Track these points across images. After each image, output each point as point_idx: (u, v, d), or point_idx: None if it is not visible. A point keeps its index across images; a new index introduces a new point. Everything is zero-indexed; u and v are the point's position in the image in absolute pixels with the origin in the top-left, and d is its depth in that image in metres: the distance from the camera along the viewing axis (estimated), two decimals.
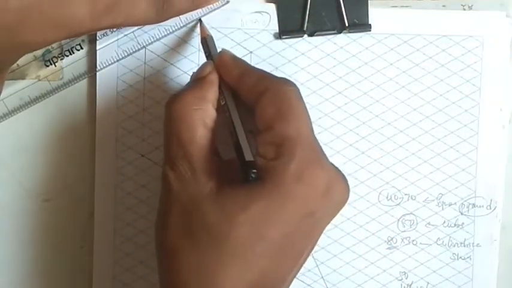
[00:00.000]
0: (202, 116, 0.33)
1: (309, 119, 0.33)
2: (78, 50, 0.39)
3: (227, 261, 0.30)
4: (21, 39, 0.32)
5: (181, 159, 0.32)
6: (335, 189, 0.32)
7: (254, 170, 0.32)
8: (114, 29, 0.39)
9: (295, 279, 0.41)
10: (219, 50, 0.37)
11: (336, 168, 0.32)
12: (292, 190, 0.30)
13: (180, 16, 0.38)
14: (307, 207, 0.31)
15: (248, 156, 0.33)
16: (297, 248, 0.32)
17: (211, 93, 0.34)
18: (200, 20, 0.39)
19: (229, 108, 0.34)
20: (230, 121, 0.34)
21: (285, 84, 0.33)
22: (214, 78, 0.34)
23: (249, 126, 0.34)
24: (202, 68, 0.35)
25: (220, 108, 0.35)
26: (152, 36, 0.39)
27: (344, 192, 0.32)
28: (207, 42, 0.37)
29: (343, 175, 0.33)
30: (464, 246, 0.41)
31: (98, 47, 0.39)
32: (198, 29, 0.39)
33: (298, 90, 0.33)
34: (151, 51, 0.40)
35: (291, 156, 0.31)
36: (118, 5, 0.33)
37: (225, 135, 0.35)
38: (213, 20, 0.40)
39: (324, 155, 0.32)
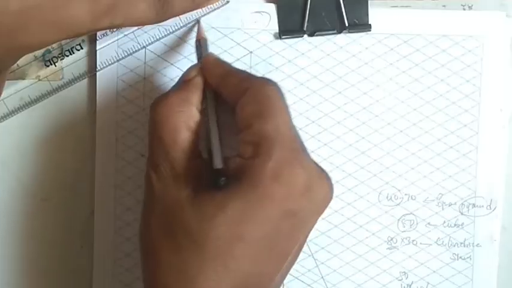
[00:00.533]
0: (186, 119, 0.33)
1: (289, 117, 0.32)
2: (78, 50, 0.39)
3: (207, 264, 0.30)
4: (21, 41, 0.32)
5: (163, 161, 0.32)
6: (316, 188, 0.31)
7: (223, 178, 0.32)
8: (114, 29, 0.39)
9: (295, 279, 0.41)
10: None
11: (318, 166, 0.32)
12: (269, 189, 0.30)
13: (180, 16, 0.38)
14: (286, 206, 0.30)
15: (217, 164, 0.33)
16: (281, 249, 0.31)
17: (196, 96, 0.34)
18: (198, 21, 0.39)
19: (208, 112, 0.34)
20: (207, 126, 0.34)
21: (265, 83, 0.32)
22: (199, 81, 0.34)
23: (233, 130, 0.33)
24: (187, 71, 0.35)
25: (204, 112, 0.34)
26: (152, 36, 0.39)
27: (326, 191, 0.32)
28: (201, 44, 0.37)
29: (326, 174, 0.32)
30: (464, 246, 0.41)
31: (98, 47, 0.39)
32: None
33: (279, 89, 0.32)
34: (151, 51, 0.40)
35: (269, 155, 0.30)
36: (118, 6, 0.33)
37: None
38: (213, 20, 0.40)
39: (306, 153, 0.32)
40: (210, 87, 0.34)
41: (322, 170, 0.32)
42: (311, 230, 0.33)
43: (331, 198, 0.32)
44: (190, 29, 0.40)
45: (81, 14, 0.32)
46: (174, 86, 0.35)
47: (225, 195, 0.30)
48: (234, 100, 0.33)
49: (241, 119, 0.32)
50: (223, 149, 0.34)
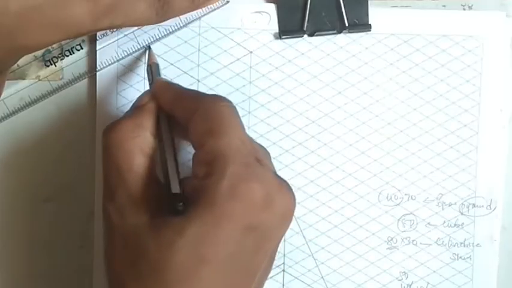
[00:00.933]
0: (141, 144, 0.32)
1: (243, 132, 0.32)
2: (78, 50, 0.39)
3: None
4: (21, 42, 0.32)
5: (120, 188, 0.32)
6: (276, 200, 0.30)
7: (180, 203, 0.32)
8: (114, 29, 0.39)
9: (295, 279, 0.41)
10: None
11: (279, 178, 0.31)
12: (226, 207, 0.29)
13: (180, 16, 0.38)
14: (246, 222, 0.30)
15: (174, 188, 0.32)
16: (248, 265, 0.31)
17: (149, 121, 0.33)
18: (149, 47, 0.39)
19: (163, 138, 0.34)
20: (162, 152, 0.34)
21: (215, 100, 0.32)
22: (152, 106, 0.34)
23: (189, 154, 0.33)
24: (140, 97, 0.35)
25: (159, 137, 0.34)
26: (152, 36, 0.39)
27: (287, 202, 0.31)
28: (152, 70, 0.37)
29: (286, 185, 0.31)
30: (464, 246, 0.41)
31: (98, 47, 0.39)
32: (198, 29, 0.40)
33: (231, 105, 0.32)
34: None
35: (223, 173, 0.29)
36: (118, 6, 0.33)
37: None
38: (213, 20, 0.40)
39: (263, 166, 0.31)
40: (163, 111, 0.34)
41: (282, 181, 0.31)
42: (279, 241, 0.32)
43: (294, 207, 0.31)
44: (191, 29, 0.40)
45: (82, 14, 0.32)
46: (127, 112, 0.35)
47: (182, 219, 0.30)
48: (187, 121, 0.32)
49: (193, 139, 0.31)
50: (181, 173, 0.33)
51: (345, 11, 0.40)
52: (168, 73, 0.40)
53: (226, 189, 0.29)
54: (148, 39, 0.39)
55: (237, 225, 0.29)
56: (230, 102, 0.32)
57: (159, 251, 0.29)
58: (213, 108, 0.32)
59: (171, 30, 0.39)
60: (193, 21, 0.39)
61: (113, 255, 0.32)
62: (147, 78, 0.39)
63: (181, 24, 0.39)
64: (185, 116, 0.32)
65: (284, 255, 0.41)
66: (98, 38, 0.39)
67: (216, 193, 0.29)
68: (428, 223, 0.41)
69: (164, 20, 0.36)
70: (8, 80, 0.37)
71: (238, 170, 0.30)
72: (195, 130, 0.32)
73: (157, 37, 0.39)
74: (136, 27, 0.39)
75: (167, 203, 0.32)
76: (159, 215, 0.31)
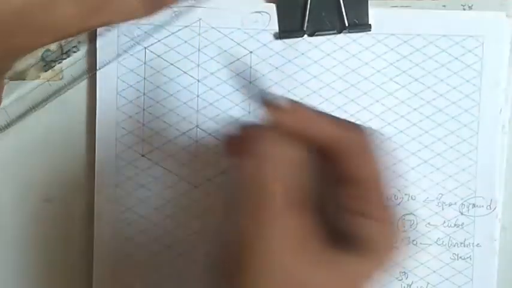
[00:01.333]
0: (289, 156, 0.30)
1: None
2: (78, 51, 0.39)
3: None
4: (12, 45, 0.31)
5: (274, 215, 0.28)
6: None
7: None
8: (114, 29, 0.39)
9: None
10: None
11: None
12: (390, 255, 0.30)
13: (180, 16, 0.38)
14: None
15: (342, 225, 0.30)
16: None
17: (289, 137, 0.30)
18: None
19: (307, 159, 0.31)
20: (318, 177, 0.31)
21: (362, 133, 0.30)
22: (287, 122, 0.30)
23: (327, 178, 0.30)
24: (269, 116, 0.30)
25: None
26: (152, 36, 0.39)
27: None
28: (265, 97, 0.34)
29: None
30: (464, 246, 0.41)
31: (97, 47, 0.39)
32: (198, 29, 0.40)
33: (373, 136, 0.30)
34: (151, 51, 0.40)
35: (393, 220, 0.30)
36: (106, 2, 0.33)
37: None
38: (213, 20, 0.40)
39: None
40: (292, 131, 0.31)
41: None
42: None
43: None
44: (191, 29, 0.40)
45: (70, 13, 0.31)
46: (260, 124, 0.31)
47: (359, 259, 0.29)
48: (324, 146, 0.30)
49: (344, 172, 0.29)
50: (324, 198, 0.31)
51: (345, 11, 0.40)
52: (168, 73, 0.40)
53: (393, 237, 0.30)
54: (149, 39, 0.39)
55: (383, 268, 0.30)
56: (371, 131, 0.30)
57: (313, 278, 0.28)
58: (362, 143, 0.30)
59: (171, 31, 0.39)
60: (193, 21, 0.39)
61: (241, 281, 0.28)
62: (147, 78, 0.39)
63: (182, 25, 0.39)
64: (321, 139, 0.30)
65: None
66: (97, 38, 0.39)
67: (388, 241, 0.30)
68: (428, 223, 0.41)
69: (154, 14, 0.35)
70: (9, 80, 0.37)
71: (391, 214, 0.30)
72: (343, 161, 0.29)
73: (158, 37, 0.39)
74: (136, 28, 0.39)
75: (320, 231, 0.30)
76: (316, 243, 0.29)
